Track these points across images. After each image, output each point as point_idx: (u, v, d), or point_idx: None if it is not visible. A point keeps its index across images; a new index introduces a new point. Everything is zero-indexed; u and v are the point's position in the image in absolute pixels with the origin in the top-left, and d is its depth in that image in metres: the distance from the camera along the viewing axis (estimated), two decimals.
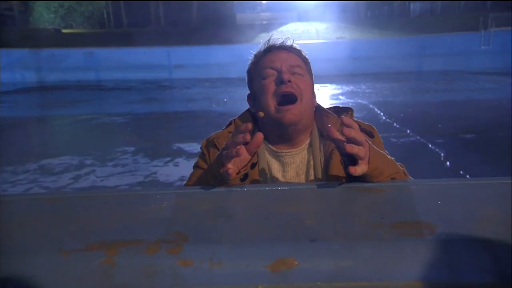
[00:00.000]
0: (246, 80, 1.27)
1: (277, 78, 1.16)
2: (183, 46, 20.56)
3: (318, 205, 0.80)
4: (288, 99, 1.14)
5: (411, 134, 6.38)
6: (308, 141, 1.21)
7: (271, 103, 1.14)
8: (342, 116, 0.92)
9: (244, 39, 20.87)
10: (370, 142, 0.97)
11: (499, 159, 4.86)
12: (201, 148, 1.28)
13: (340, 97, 11.15)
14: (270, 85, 1.15)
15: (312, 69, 1.26)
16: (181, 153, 5.79)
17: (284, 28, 27.43)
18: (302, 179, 1.18)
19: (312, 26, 27.21)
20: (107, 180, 4.72)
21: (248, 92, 1.28)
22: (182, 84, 15.69)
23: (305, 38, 21.80)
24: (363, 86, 13.07)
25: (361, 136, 0.91)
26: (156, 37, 21.93)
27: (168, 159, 5.49)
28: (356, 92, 12.00)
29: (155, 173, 4.92)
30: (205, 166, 1.21)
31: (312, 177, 1.17)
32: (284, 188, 0.89)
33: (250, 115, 1.26)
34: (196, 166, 1.26)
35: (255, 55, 1.26)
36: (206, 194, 0.89)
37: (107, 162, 5.47)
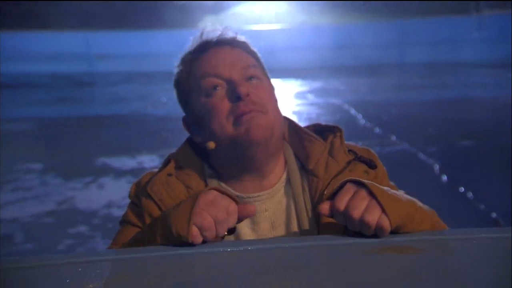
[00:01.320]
0: (176, 96, 1.18)
1: (229, 92, 1.06)
2: (107, 30, 20.11)
3: (330, 281, 0.66)
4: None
5: (397, 141, 6.48)
6: (284, 176, 1.11)
7: (227, 126, 1.04)
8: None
9: (187, 22, 20.71)
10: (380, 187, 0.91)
11: (504, 170, 4.98)
12: (129, 195, 1.15)
13: (308, 95, 11.24)
14: (221, 104, 1.06)
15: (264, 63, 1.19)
16: (107, 170, 5.66)
17: (236, 9, 27.52)
18: (280, 232, 1.08)
19: (271, 7, 27.50)
20: (3, 210, 4.48)
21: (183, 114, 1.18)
22: (106, 79, 15.28)
23: (263, 21, 21.98)
24: (335, 82, 13.27)
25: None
26: (70, 17, 21.29)
27: (90, 179, 5.36)
28: (326, 89, 12.14)
29: (72, 198, 4.78)
30: (138, 222, 1.09)
31: (295, 229, 1.07)
32: (274, 246, 0.76)
33: (191, 148, 1.16)
34: (125, 222, 1.13)
35: (184, 60, 1.16)
36: (153, 263, 0.76)
37: (3, 185, 5.23)
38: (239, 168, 1.09)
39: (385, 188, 0.91)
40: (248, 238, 1.06)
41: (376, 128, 7.33)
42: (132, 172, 5.53)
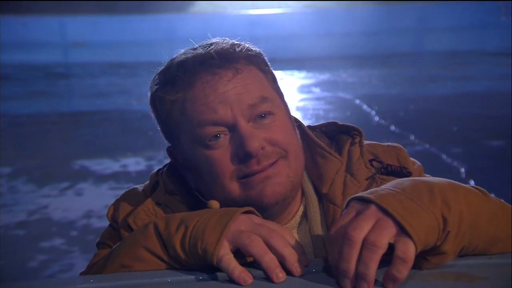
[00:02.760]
0: (154, 117, 1.08)
1: (234, 142, 0.96)
2: (84, 14, 20.05)
3: None
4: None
5: (416, 141, 6.46)
6: (301, 209, 1.06)
7: (233, 188, 0.97)
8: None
9: (177, 6, 20.67)
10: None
11: None
12: (107, 216, 1.11)
13: (313, 89, 11.22)
14: (224, 160, 0.96)
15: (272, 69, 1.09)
16: (85, 174, 5.63)
17: None
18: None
19: None
20: None
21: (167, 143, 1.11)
22: (84, 70, 15.26)
23: (261, 6, 21.96)
24: (344, 74, 13.26)
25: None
26: (43, 0, 21.26)
27: (66, 184, 5.33)
28: (334, 81, 12.14)
29: (46, 207, 4.75)
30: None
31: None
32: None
33: (177, 171, 1.10)
34: (103, 244, 1.10)
35: (166, 83, 1.02)
36: None
37: None
38: None
39: (407, 185, 0.79)
40: None
41: (392, 126, 7.30)
42: (114, 176, 5.50)
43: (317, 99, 9.90)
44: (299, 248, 0.82)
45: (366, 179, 1.02)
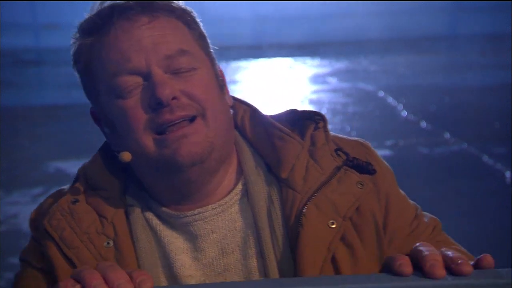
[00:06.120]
0: (79, 79, 1.16)
1: (148, 95, 1.03)
2: None
3: None
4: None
5: (452, 140, 6.49)
6: (240, 187, 1.12)
7: (146, 139, 1.04)
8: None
9: None
10: None
11: None
12: (29, 225, 1.18)
13: (329, 79, 11.25)
14: (137, 111, 1.04)
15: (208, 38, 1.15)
16: (61, 178, 5.64)
17: None
18: (232, 259, 1.09)
19: None
20: None
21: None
22: (59, 56, 15.26)
23: None
24: (364, 61, 13.29)
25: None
26: None
27: (39, 190, 5.40)
28: (353, 70, 12.17)
29: (15, 216, 4.83)
30: (40, 263, 1.10)
31: (253, 256, 1.08)
32: None
33: (107, 156, 1.16)
34: (23, 261, 1.15)
35: (83, 32, 1.12)
36: None
37: None
38: (168, 187, 1.09)
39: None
40: (190, 269, 1.06)
41: (423, 122, 7.33)
42: None
43: (334, 91, 9.92)
44: None
45: (333, 169, 1.08)
